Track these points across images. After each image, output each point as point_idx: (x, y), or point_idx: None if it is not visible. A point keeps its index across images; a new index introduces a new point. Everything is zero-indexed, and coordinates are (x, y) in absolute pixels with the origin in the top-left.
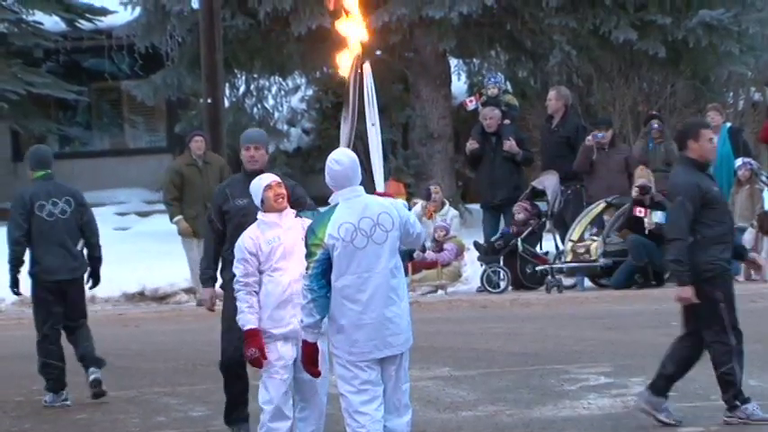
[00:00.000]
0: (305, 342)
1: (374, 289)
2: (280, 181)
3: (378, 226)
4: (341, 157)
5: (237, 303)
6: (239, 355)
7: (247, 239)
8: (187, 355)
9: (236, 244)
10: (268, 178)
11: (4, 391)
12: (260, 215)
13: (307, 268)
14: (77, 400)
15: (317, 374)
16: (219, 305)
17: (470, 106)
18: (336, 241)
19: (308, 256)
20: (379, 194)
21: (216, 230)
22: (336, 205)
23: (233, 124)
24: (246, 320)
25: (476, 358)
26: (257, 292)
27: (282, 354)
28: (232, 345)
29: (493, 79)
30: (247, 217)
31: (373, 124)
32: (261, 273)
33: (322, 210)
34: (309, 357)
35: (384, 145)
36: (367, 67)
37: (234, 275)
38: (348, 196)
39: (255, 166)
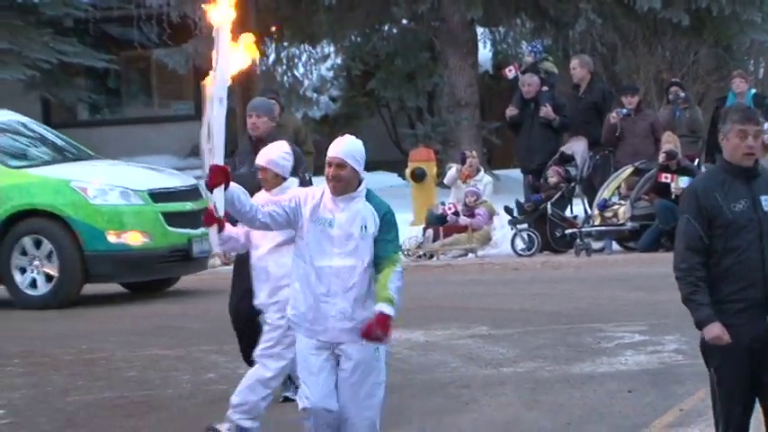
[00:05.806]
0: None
1: None
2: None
3: None
4: None
5: None
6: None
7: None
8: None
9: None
10: None
11: (53, 350)
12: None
13: None
14: (127, 358)
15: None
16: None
17: (509, 75)
18: None
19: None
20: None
21: None
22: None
23: (263, 92)
24: None
25: (512, 318)
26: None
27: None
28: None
29: (530, 47)
30: (244, 186)
31: (221, 99)
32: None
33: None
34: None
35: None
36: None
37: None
38: None
39: (256, 133)
